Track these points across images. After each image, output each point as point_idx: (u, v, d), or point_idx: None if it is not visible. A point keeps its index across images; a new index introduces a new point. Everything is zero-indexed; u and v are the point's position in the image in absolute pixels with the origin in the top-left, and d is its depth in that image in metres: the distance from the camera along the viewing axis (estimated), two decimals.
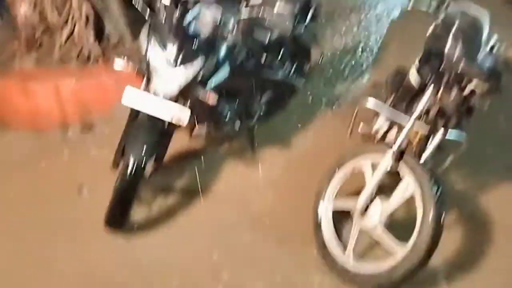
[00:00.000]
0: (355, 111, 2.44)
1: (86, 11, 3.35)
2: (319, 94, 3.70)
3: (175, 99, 2.21)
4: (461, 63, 1.90)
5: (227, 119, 2.75)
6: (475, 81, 1.93)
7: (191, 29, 2.18)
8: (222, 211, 2.64)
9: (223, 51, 2.34)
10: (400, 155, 2.06)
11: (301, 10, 2.95)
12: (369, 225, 2.11)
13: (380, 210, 2.09)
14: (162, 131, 2.29)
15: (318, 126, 3.35)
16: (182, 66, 2.14)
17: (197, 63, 2.18)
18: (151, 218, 2.59)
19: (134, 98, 2.16)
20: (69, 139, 3.21)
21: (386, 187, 2.22)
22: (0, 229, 2.52)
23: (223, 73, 2.37)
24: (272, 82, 3.02)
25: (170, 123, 2.30)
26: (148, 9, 2.21)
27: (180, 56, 2.11)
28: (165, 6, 2.13)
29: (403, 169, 2.07)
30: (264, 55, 2.81)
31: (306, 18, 3.03)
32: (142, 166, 2.23)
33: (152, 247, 2.42)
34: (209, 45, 2.22)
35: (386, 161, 2.07)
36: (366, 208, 2.15)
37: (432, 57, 2.10)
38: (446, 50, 1.96)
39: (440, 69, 1.98)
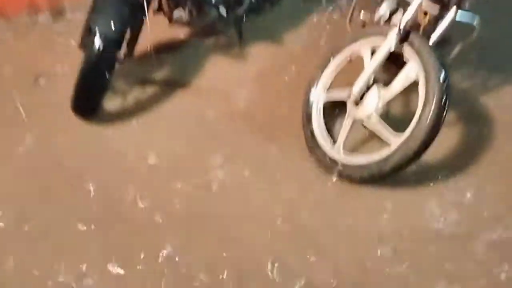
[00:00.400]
0: None
1: None
2: None
3: None
4: None
5: (211, 2, 2.43)
6: None
7: None
8: (203, 104, 2.42)
9: None
10: (405, 35, 1.80)
11: None
12: (363, 114, 1.91)
13: (377, 97, 1.87)
14: (134, 2, 1.99)
15: (314, 23, 3.04)
16: None
17: None
18: (126, 109, 2.38)
19: None
20: (37, 24, 2.89)
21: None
22: None
23: None
24: None
25: None
26: None
27: None
28: None
29: (408, 51, 1.83)
30: None
31: None
32: (111, 43, 1.96)
33: (123, 137, 2.22)
34: None
35: (389, 41, 1.82)
36: (362, 97, 1.92)
37: None
38: None
39: None
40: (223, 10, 2.57)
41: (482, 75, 2.40)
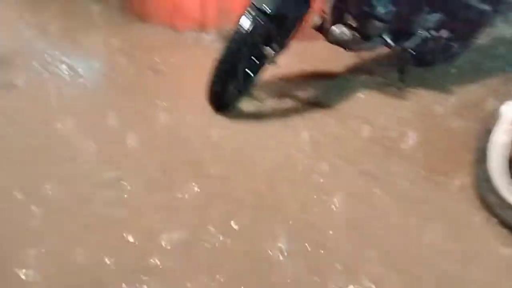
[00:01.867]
0: None
1: None
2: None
3: None
4: None
5: (376, 24, 2.17)
6: None
7: None
8: (342, 127, 2.07)
9: None
10: None
11: None
12: None
13: None
14: None
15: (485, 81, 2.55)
16: None
17: None
18: (260, 113, 2.16)
19: None
20: (201, 40, 3.00)
21: None
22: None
23: None
24: (448, 4, 2.35)
25: None
26: None
27: None
28: None
29: None
30: None
31: None
32: (265, 24, 1.80)
33: (250, 136, 1.97)
34: None
35: None
36: None
37: None
38: None
39: None
40: (389, 39, 2.29)
41: None
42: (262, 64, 2.12)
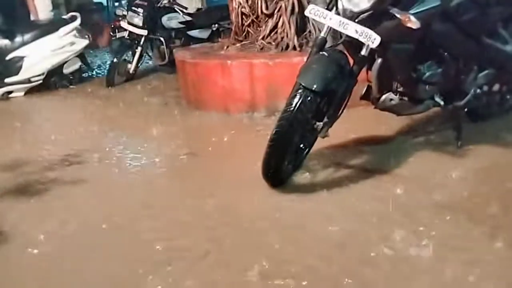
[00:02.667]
0: None
1: (292, 3, 3.39)
2: None
3: (365, 22, 1.84)
4: None
5: (425, 87, 2.19)
6: None
7: None
8: (401, 189, 2.02)
9: None
10: None
11: None
12: None
13: None
14: (344, 66, 1.92)
15: None
16: None
17: None
18: (314, 184, 2.16)
19: (317, 12, 1.90)
20: (253, 122, 3.15)
21: None
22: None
23: (431, 2, 1.89)
24: (498, 59, 2.35)
25: (354, 60, 1.95)
26: None
27: None
28: None
29: None
30: (491, 15, 2.20)
31: None
32: (313, 101, 1.88)
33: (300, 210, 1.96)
34: None
35: None
36: None
37: None
38: None
39: None
40: (440, 99, 2.29)
41: None
42: (314, 138, 2.17)
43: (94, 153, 2.73)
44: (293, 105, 1.87)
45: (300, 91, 1.88)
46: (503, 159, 2.26)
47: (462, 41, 2.16)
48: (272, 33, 3.50)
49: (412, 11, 1.84)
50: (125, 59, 4.73)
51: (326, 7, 2.02)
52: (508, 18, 2.33)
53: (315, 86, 1.85)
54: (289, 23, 3.43)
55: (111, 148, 2.84)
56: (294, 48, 3.38)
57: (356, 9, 1.82)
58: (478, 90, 2.38)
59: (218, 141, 2.84)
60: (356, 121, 2.65)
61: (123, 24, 4.74)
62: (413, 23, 1.78)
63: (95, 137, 3.11)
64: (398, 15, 1.80)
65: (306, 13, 1.94)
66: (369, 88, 2.26)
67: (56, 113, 4.05)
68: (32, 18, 5.12)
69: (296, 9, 3.41)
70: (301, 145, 2.16)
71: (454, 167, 2.17)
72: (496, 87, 2.60)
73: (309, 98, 1.88)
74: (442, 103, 2.29)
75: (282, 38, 3.44)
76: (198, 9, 5.83)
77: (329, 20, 1.88)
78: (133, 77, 4.79)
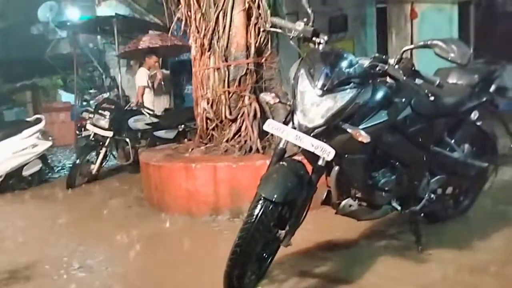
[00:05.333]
0: None
1: (255, 109, 3.57)
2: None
3: (320, 136, 1.93)
4: None
5: (382, 194, 2.26)
6: None
7: (345, 59, 1.98)
8: None
9: (381, 93, 2.05)
10: None
11: (481, 81, 2.55)
12: None
13: None
14: (303, 175, 1.97)
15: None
16: (329, 95, 1.90)
17: (347, 95, 1.91)
18: None
19: (275, 127, 1.99)
20: (217, 225, 3.11)
21: None
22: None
23: (379, 118, 2.03)
24: (447, 165, 2.49)
25: (313, 169, 2.01)
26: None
27: (328, 84, 1.89)
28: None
29: None
30: (437, 125, 2.39)
31: (488, 90, 2.57)
32: (275, 210, 1.89)
33: None
34: (364, 79, 1.96)
35: None
36: None
37: None
38: None
39: None
40: (396, 205, 2.36)
41: None
42: (277, 246, 2.14)
43: (45, 265, 2.56)
44: (254, 216, 1.87)
45: (261, 201, 1.89)
46: (467, 261, 2.27)
47: (412, 150, 2.29)
48: (236, 137, 3.61)
49: (362, 126, 1.96)
50: (88, 160, 4.70)
51: (283, 121, 2.13)
52: (452, 128, 2.52)
53: (275, 196, 1.87)
54: (251, 127, 3.57)
55: (63, 259, 2.67)
56: (258, 150, 3.48)
57: (310, 125, 1.93)
58: (432, 195, 2.48)
59: (179, 248, 2.76)
60: (319, 225, 2.66)
61: (89, 126, 4.79)
62: (364, 137, 1.88)
63: (49, 246, 2.94)
64: (349, 130, 1.91)
65: (265, 127, 2.02)
66: (329, 193, 2.31)
67: (7, 219, 3.82)
68: None
69: (258, 114, 3.57)
70: (264, 254, 2.12)
71: (417, 275, 2.17)
72: (449, 190, 2.74)
73: (270, 208, 1.88)
74: (399, 208, 2.35)
75: (246, 141, 3.55)
76: (166, 109, 6.00)
77: (286, 134, 1.97)
78: (96, 178, 4.73)
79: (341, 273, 2.25)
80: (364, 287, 2.12)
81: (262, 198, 1.89)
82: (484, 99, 2.55)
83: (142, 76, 5.83)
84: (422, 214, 2.48)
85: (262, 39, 3.67)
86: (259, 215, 1.87)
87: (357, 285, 2.13)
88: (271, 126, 2.01)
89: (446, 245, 2.44)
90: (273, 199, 1.87)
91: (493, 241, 2.48)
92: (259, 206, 1.88)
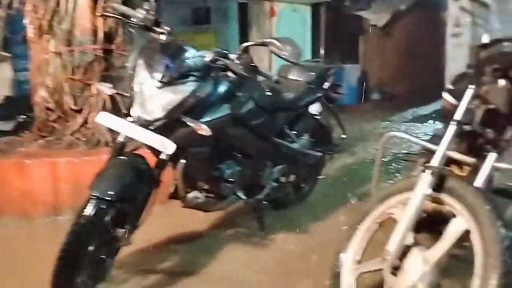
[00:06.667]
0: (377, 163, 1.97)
1: (103, 98, 3.33)
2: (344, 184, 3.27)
3: (160, 129, 1.87)
4: None
5: (227, 185, 2.32)
6: None
7: (186, 51, 1.95)
8: None
9: (222, 87, 2.08)
10: (440, 180, 1.50)
11: (317, 78, 2.78)
12: (406, 285, 1.43)
13: (421, 261, 1.44)
14: (143, 170, 1.89)
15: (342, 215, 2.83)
16: (169, 87, 1.86)
17: (187, 87, 1.89)
18: None
19: (110, 120, 1.87)
20: (56, 226, 2.82)
21: None
22: None
23: (221, 111, 2.05)
24: (288, 155, 2.66)
25: (155, 166, 1.94)
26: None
27: (167, 75, 1.84)
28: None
29: (449, 201, 1.49)
30: (277, 118, 2.52)
31: (323, 87, 2.82)
32: (107, 211, 1.78)
33: None
34: (205, 72, 1.96)
35: (422, 185, 1.50)
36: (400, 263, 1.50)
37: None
38: None
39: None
40: (242, 194, 2.44)
41: None
42: (116, 247, 2.02)
43: None
44: (83, 217, 1.73)
45: (92, 200, 1.76)
46: (298, 247, 2.45)
47: (255, 142, 2.40)
48: (82, 129, 3.34)
49: (204, 120, 1.97)
50: None
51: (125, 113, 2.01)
52: (292, 121, 2.71)
53: (109, 194, 1.76)
54: None
55: None
56: (107, 144, 3.26)
57: (149, 118, 1.86)
58: (275, 183, 2.63)
59: (9, 254, 2.44)
60: (166, 219, 2.62)
61: None
62: (205, 130, 1.89)
63: None
64: (190, 124, 1.89)
65: (97, 120, 1.89)
66: (176, 187, 2.28)
67: None
68: None
69: (109, 105, 3.35)
70: (102, 256, 1.99)
71: (257, 259, 2.28)
72: (291, 178, 2.95)
73: (103, 208, 1.76)
74: (244, 197, 2.44)
75: (93, 133, 3.30)
76: (7, 97, 5.28)
77: (122, 127, 1.87)
78: None
79: (187, 265, 2.25)
80: (208, 276, 2.15)
81: (93, 197, 1.76)
82: (320, 94, 2.80)
83: None
84: (265, 202, 2.61)
85: (113, 24, 3.44)
86: (90, 215, 1.74)
87: (202, 275, 2.15)
88: (104, 119, 1.88)
89: (286, 230, 2.62)
90: (106, 198, 1.75)
91: (325, 225, 2.72)
92: (90, 206, 1.75)
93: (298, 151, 2.72)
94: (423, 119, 6.33)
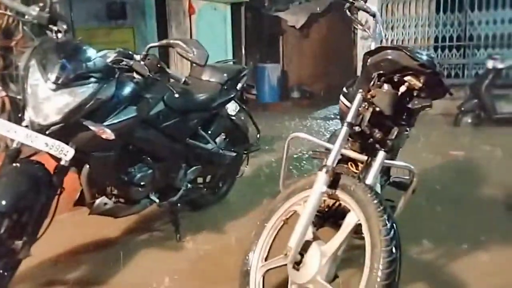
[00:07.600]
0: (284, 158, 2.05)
1: (3, 101, 3.09)
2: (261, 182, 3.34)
3: (57, 134, 1.77)
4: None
5: (138, 189, 2.26)
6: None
7: (84, 52, 1.86)
8: None
9: (127, 89, 2.02)
10: (335, 178, 1.60)
11: (230, 79, 2.80)
12: (306, 278, 1.51)
13: (319, 254, 1.52)
14: (40, 177, 1.78)
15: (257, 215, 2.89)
16: (65, 89, 1.76)
17: (87, 90, 1.81)
18: None
19: (1, 125, 1.73)
20: None
21: None
22: None
23: (127, 114, 1.99)
24: (203, 156, 2.65)
25: (55, 172, 1.84)
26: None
27: (63, 77, 1.74)
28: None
29: (343, 197, 1.59)
30: (190, 120, 2.51)
31: (236, 88, 2.85)
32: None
33: None
34: (107, 74, 1.89)
35: (318, 183, 1.58)
36: (301, 258, 1.57)
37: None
38: None
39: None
40: (155, 198, 2.40)
41: None
42: (16, 260, 1.89)
43: None
44: None
45: None
46: (211, 247, 2.44)
47: (167, 144, 2.36)
48: None
49: (107, 123, 1.89)
50: None
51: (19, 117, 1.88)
52: (206, 122, 2.71)
53: (1, 205, 1.64)
54: None
55: None
56: (7, 148, 3.02)
57: (45, 122, 1.75)
58: (189, 185, 2.62)
59: None
60: (75, 228, 2.51)
61: None
62: (108, 134, 1.83)
63: None
64: (92, 128, 1.82)
65: None
66: (82, 193, 2.18)
67: None
68: None
69: (8, 107, 3.10)
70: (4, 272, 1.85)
71: (171, 263, 2.25)
72: (208, 178, 2.95)
73: None
74: (157, 200, 2.40)
75: None
76: None
77: (14, 133, 1.74)
78: None
79: (97, 276, 2.15)
80: (119, 285, 2.08)
81: None
82: (232, 95, 2.82)
83: None
84: (179, 204, 2.57)
85: (11, 19, 3.19)
86: None
87: (112, 285, 2.08)
88: None
89: (202, 231, 2.61)
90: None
91: (241, 223, 2.77)
92: None
93: (213, 152, 2.73)
94: (336, 116, 6.66)
